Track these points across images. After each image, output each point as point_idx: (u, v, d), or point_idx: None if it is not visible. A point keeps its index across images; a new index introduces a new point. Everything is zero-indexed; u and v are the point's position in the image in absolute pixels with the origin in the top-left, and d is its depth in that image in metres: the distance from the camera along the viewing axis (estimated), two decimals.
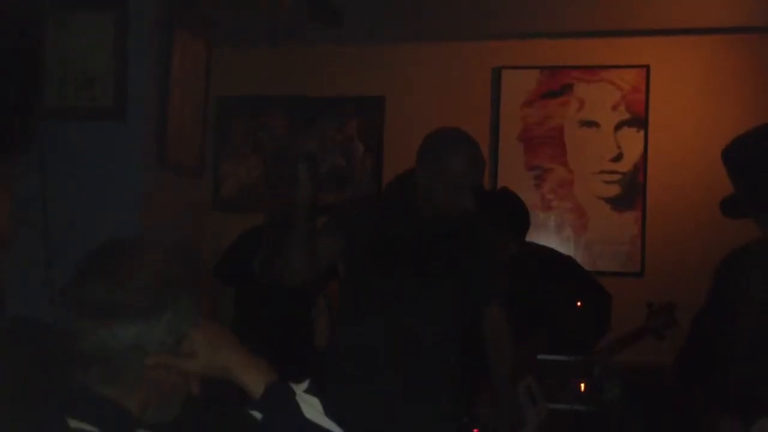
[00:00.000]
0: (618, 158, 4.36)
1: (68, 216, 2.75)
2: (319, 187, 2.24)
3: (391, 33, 4.56)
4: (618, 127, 4.37)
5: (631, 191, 4.32)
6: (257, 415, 1.19)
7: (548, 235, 4.34)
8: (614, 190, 4.35)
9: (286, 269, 2.32)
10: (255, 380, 1.20)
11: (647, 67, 4.34)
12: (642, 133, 4.33)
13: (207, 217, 3.90)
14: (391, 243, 2.35)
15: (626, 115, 4.36)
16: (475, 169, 2.31)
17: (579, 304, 3.19)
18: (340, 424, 1.21)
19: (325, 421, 1.19)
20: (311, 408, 1.20)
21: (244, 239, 3.73)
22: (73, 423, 1.14)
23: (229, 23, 4.13)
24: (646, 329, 3.23)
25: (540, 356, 3.07)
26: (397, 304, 2.32)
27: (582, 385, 3.17)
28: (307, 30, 4.15)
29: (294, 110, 4.72)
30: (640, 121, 4.34)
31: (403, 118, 4.50)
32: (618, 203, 4.34)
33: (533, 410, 2.89)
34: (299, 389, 1.22)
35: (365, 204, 2.51)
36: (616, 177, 4.35)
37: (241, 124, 4.76)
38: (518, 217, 3.20)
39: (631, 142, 4.34)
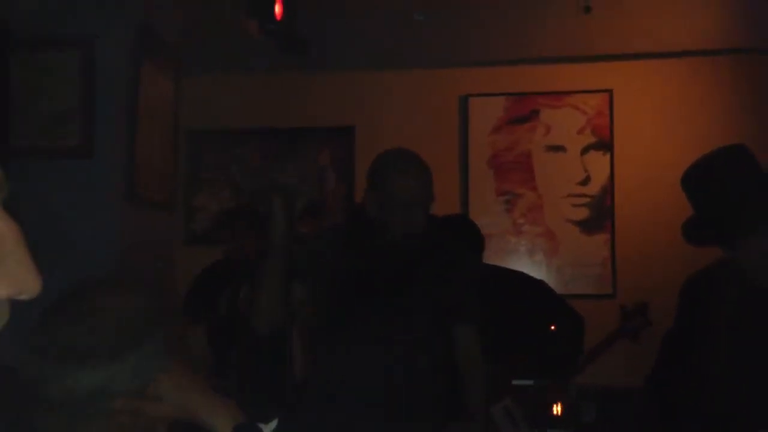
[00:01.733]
0: (586, 182, 4.41)
1: (36, 255, 2.72)
2: (292, 221, 2.20)
3: (359, 61, 4.60)
4: (584, 150, 4.42)
5: (600, 214, 4.37)
6: None
7: (520, 259, 4.37)
8: (583, 213, 4.39)
9: (255, 316, 2.28)
10: (223, 423, 1.19)
11: (610, 92, 4.41)
12: (608, 156, 4.39)
13: (178, 252, 3.88)
14: (356, 276, 2.32)
15: (592, 139, 4.42)
16: (420, 187, 2.26)
17: (552, 327, 3.20)
18: None
19: None
20: None
21: (206, 275, 3.69)
22: None
23: (198, 54, 4.14)
24: (621, 332, 3.25)
25: (515, 381, 3.07)
26: (372, 337, 2.30)
27: (559, 408, 3.18)
28: (275, 61, 4.17)
29: (265, 142, 4.73)
30: (605, 144, 4.40)
31: (373, 146, 4.51)
32: (587, 226, 4.38)
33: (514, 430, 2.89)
34: (268, 430, 1.21)
35: (328, 239, 2.48)
36: (585, 200, 4.40)
37: (212, 157, 4.76)
38: (475, 240, 3.21)
39: (598, 165, 4.40)
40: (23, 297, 0.63)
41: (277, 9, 3.76)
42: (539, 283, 3.53)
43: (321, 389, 2.36)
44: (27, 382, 1.16)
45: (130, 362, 1.18)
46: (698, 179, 2.04)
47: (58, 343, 1.16)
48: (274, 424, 1.22)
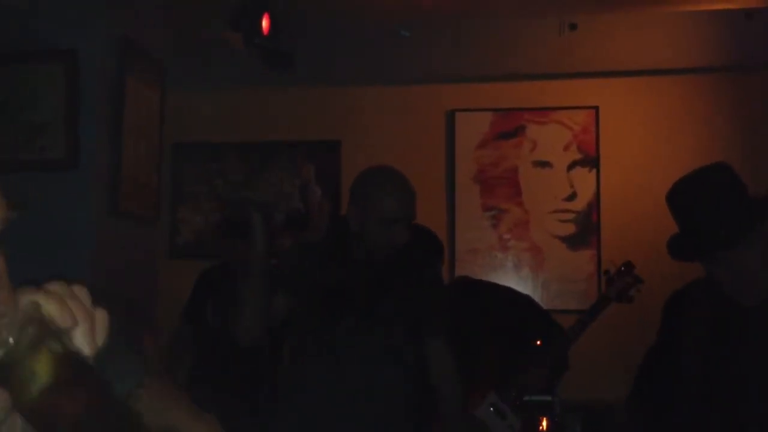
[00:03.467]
0: (572, 197, 4.42)
1: (18, 268, 2.70)
2: (273, 236, 2.23)
3: (345, 76, 4.61)
4: (570, 167, 4.44)
5: (586, 229, 4.38)
6: None
7: (506, 274, 4.37)
8: (569, 229, 4.40)
9: (238, 328, 2.30)
10: None
11: (596, 108, 4.43)
12: (594, 172, 4.41)
13: (162, 265, 3.85)
14: (334, 289, 2.35)
15: (578, 155, 4.43)
16: (404, 203, 2.32)
17: (538, 343, 3.20)
18: None
19: None
20: None
21: (199, 280, 3.67)
22: None
23: (183, 69, 4.13)
24: (609, 297, 3.17)
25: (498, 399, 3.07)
26: (348, 349, 2.32)
27: (545, 422, 3.17)
28: (261, 74, 4.17)
29: (250, 155, 4.72)
30: (591, 160, 4.41)
31: (359, 161, 4.51)
32: (573, 242, 4.39)
33: (505, 425, 2.88)
34: None
35: (306, 252, 2.49)
36: (571, 216, 4.41)
37: (196, 170, 4.73)
38: (435, 248, 3.21)
39: (584, 181, 4.41)
40: None
41: (264, 24, 3.76)
42: (525, 298, 3.53)
43: (294, 400, 2.37)
44: None
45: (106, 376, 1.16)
46: (681, 196, 2.06)
47: None
48: None
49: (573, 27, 4.26)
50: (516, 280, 4.33)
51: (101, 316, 0.68)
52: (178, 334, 3.58)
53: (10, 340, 0.61)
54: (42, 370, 0.60)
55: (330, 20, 4.33)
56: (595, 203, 4.38)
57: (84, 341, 0.65)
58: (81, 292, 0.68)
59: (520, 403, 3.06)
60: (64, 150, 2.87)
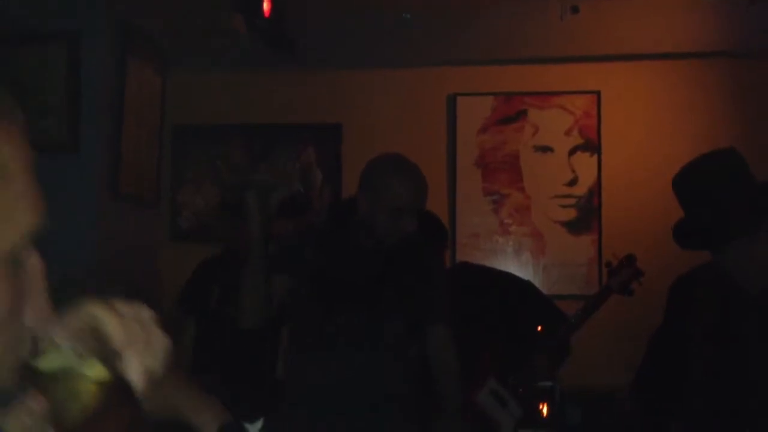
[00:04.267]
0: (573, 182, 4.41)
1: None
2: (270, 217, 2.21)
3: (346, 60, 4.59)
4: (572, 151, 4.43)
5: (587, 214, 4.38)
6: None
7: (507, 259, 4.37)
8: (570, 214, 4.40)
9: (239, 312, 2.30)
10: (208, 422, 1.18)
11: (598, 93, 4.42)
12: (595, 157, 4.40)
13: (164, 248, 3.85)
14: (337, 276, 2.35)
15: (579, 140, 4.42)
16: (416, 193, 2.32)
17: (539, 329, 3.20)
18: None
19: None
20: None
21: (201, 269, 3.67)
22: None
23: (184, 51, 4.12)
24: (610, 288, 3.18)
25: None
26: (350, 338, 2.32)
27: (545, 409, 3.18)
28: (262, 57, 4.15)
29: (251, 138, 4.70)
30: (593, 145, 4.40)
31: (360, 145, 4.51)
32: (574, 227, 4.39)
33: (505, 412, 2.88)
34: (254, 429, 1.20)
35: (308, 237, 2.49)
36: (572, 201, 4.40)
37: (198, 153, 4.72)
38: (440, 234, 3.21)
39: (585, 166, 4.41)
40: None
41: (265, 6, 3.74)
42: (526, 284, 3.53)
43: (296, 390, 2.38)
44: None
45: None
46: (688, 182, 2.05)
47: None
48: (260, 423, 1.21)
49: (575, 10, 4.23)
50: (517, 265, 4.33)
51: (160, 343, 0.65)
52: (180, 326, 3.57)
53: (62, 344, 0.58)
54: (87, 391, 0.58)
55: (331, 3, 4.31)
56: (597, 188, 4.38)
57: (135, 368, 0.62)
58: (146, 315, 0.65)
59: (520, 389, 3.06)
60: (66, 133, 2.86)
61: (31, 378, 0.58)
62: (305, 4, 4.19)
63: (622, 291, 3.19)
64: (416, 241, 2.41)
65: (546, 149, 4.45)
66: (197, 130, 4.67)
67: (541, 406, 3.05)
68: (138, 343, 0.62)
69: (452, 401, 2.49)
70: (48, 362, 0.59)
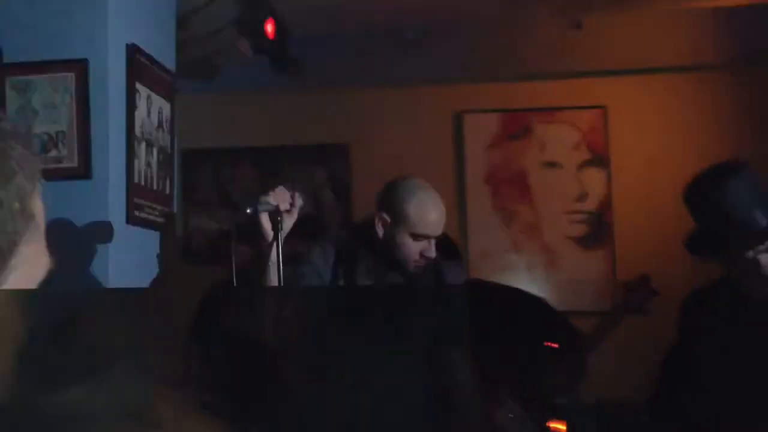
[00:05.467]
0: (583, 198, 4.41)
1: None
2: (284, 241, 2.21)
3: (352, 79, 4.61)
4: (580, 167, 4.43)
5: (599, 230, 4.37)
6: None
7: (519, 275, 4.36)
8: (582, 230, 4.39)
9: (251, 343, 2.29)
10: None
11: (604, 108, 4.42)
12: (604, 172, 4.40)
13: (177, 271, 3.86)
14: (354, 298, 2.34)
15: (588, 155, 4.43)
16: (438, 221, 2.34)
17: (553, 345, 3.19)
18: None
19: None
20: None
21: (214, 293, 3.66)
22: None
23: (192, 75, 4.15)
24: (626, 306, 3.21)
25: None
26: (365, 363, 2.31)
27: (560, 426, 3.16)
28: (269, 79, 4.18)
29: (260, 161, 4.73)
30: (602, 160, 4.41)
31: (369, 164, 4.53)
32: (586, 242, 4.38)
33: (519, 428, 2.87)
34: None
35: (321, 259, 2.49)
36: (583, 216, 4.40)
37: (208, 177, 4.75)
38: (451, 250, 3.20)
39: (595, 181, 4.41)
40: None
41: (269, 28, 3.77)
42: (539, 300, 3.52)
43: (305, 410, 2.37)
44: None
45: (105, 383, 1.16)
46: (697, 193, 2.06)
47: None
48: None
49: (579, 26, 4.26)
50: (529, 280, 4.32)
51: None
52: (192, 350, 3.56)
53: None
54: None
55: (336, 23, 4.34)
56: (607, 203, 4.37)
57: None
58: None
59: (535, 407, 3.05)
60: (77, 160, 2.88)
61: None
62: (310, 25, 4.22)
63: (637, 311, 3.21)
64: (435, 264, 2.42)
65: (554, 165, 4.46)
66: (207, 154, 4.70)
67: (557, 425, 3.03)
68: None
69: (471, 423, 2.48)
70: None
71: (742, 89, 4.35)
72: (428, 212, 2.30)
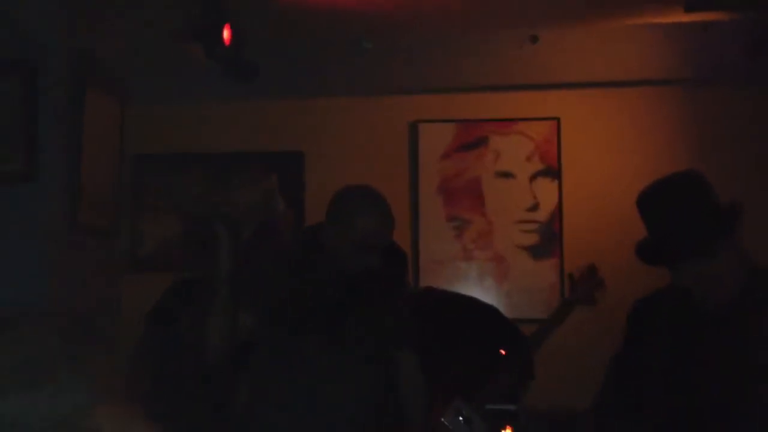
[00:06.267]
0: (534, 208, 4.45)
1: None
2: (239, 251, 2.19)
3: (307, 88, 4.60)
4: (533, 177, 4.47)
5: (549, 240, 4.41)
6: None
7: (470, 284, 4.38)
8: (532, 239, 4.43)
9: (203, 347, 2.26)
10: None
11: (558, 120, 4.47)
12: (556, 182, 4.45)
13: (123, 278, 3.79)
14: (300, 308, 2.33)
15: (540, 166, 4.47)
16: (383, 231, 2.32)
17: (502, 352, 3.21)
18: None
19: None
20: None
21: (175, 288, 3.59)
22: None
23: (144, 80, 4.09)
24: (574, 299, 3.22)
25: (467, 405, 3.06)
26: (313, 368, 2.30)
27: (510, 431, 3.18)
28: (223, 86, 4.14)
29: (212, 167, 4.68)
30: (554, 171, 4.45)
31: (323, 172, 4.52)
32: (537, 252, 4.42)
33: (470, 430, 2.87)
34: None
35: (271, 267, 2.47)
36: (534, 226, 4.44)
37: (157, 182, 4.68)
38: (399, 259, 3.21)
39: (547, 191, 4.45)
40: None
41: (226, 34, 3.74)
42: (490, 308, 3.54)
43: (260, 418, 2.35)
44: None
45: (43, 395, 1.13)
46: (649, 201, 2.08)
47: None
48: None
49: (534, 39, 4.31)
50: (480, 290, 4.34)
51: None
52: (143, 338, 3.50)
53: None
54: None
55: (292, 32, 4.32)
56: (558, 213, 4.42)
57: None
58: None
59: (485, 412, 3.06)
60: (23, 162, 2.82)
61: None
62: (266, 32, 4.20)
63: (584, 301, 3.23)
64: (377, 268, 2.40)
65: (507, 175, 4.49)
66: (157, 160, 4.63)
67: (506, 428, 3.05)
68: None
69: (417, 425, 2.48)
70: None
71: (694, 105, 4.43)
72: (371, 223, 2.28)
